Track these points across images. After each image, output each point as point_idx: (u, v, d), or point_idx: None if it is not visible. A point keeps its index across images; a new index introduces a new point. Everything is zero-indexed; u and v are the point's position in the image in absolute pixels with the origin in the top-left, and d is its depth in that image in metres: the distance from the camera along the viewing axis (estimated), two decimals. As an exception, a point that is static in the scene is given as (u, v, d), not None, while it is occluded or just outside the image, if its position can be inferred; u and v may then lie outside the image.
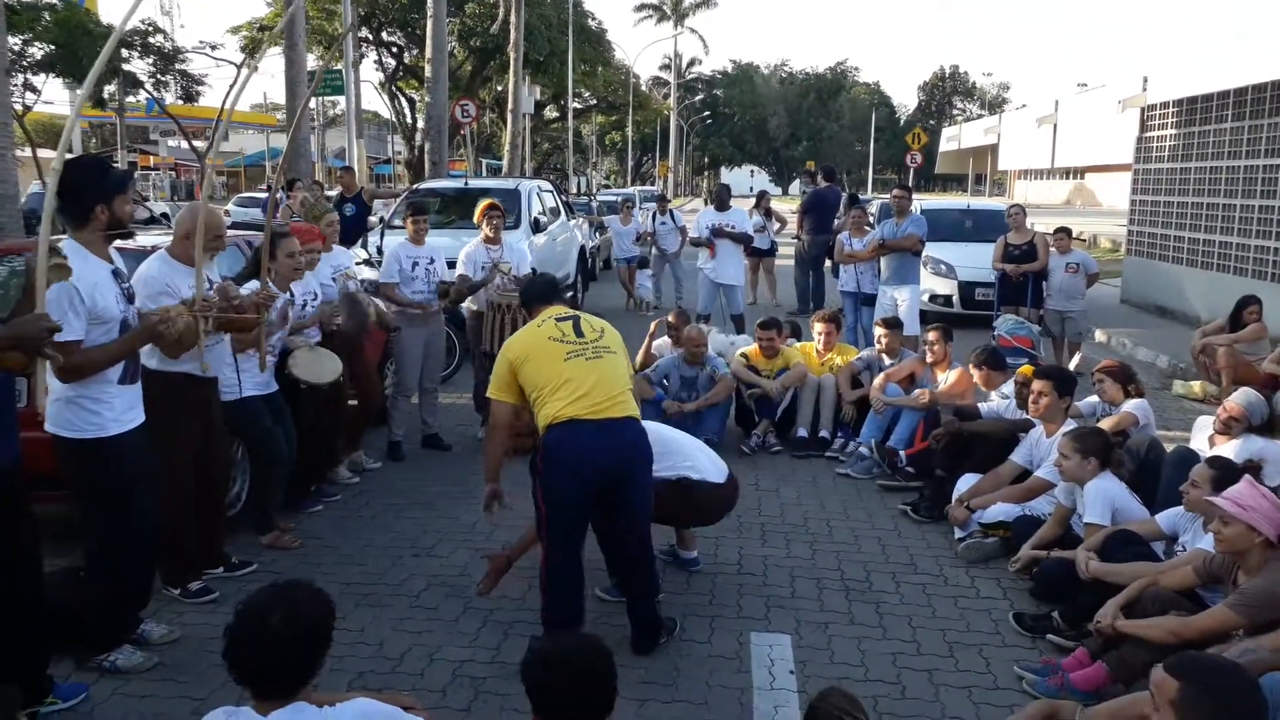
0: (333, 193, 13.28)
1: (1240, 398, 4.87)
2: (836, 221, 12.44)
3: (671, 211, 14.06)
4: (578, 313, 3.99)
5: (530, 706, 2.40)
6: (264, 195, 25.63)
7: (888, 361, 6.88)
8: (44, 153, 23.72)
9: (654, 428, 4.43)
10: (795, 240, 13.66)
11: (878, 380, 6.54)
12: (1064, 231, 9.80)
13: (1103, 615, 3.54)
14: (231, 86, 32.07)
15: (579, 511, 3.73)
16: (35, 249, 2.97)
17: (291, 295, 5.13)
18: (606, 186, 57.26)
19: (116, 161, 33.90)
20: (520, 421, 3.99)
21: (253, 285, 4.69)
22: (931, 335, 6.58)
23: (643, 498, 3.83)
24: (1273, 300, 9.60)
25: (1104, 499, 4.27)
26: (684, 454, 4.45)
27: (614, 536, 3.93)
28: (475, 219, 7.12)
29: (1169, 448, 5.26)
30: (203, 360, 3.84)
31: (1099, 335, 11.24)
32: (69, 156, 3.19)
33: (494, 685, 3.62)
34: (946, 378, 6.41)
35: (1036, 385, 5.09)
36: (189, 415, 4.11)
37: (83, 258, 3.34)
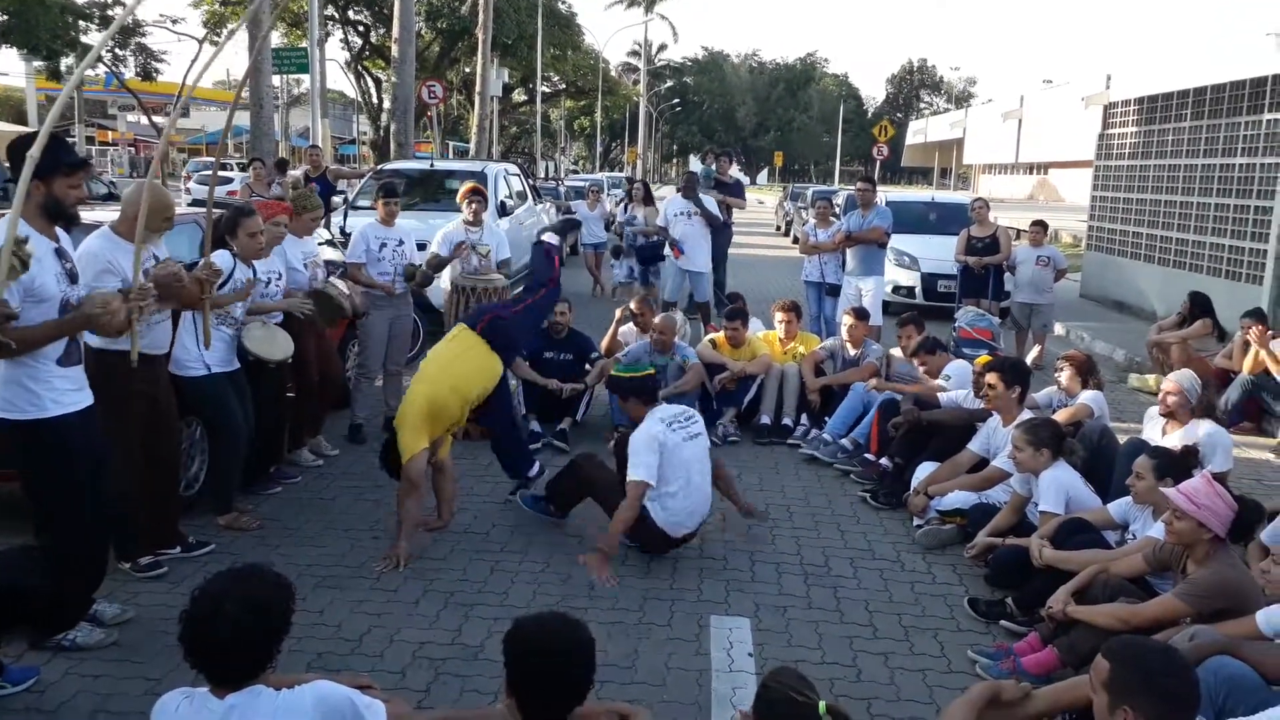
0: (295, 172, 13.08)
1: (1173, 378, 5.01)
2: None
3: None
4: None
5: (505, 684, 2.41)
6: (232, 173, 25.22)
7: (851, 351, 6.94)
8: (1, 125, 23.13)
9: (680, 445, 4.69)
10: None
11: (872, 382, 6.53)
12: (1040, 225, 9.98)
13: (1054, 601, 3.61)
14: (193, 62, 31.55)
15: None
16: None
17: (254, 271, 5.05)
18: (575, 172, 56.90)
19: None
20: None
21: (220, 255, 4.65)
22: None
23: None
24: (1225, 296, 9.80)
25: (1058, 488, 4.35)
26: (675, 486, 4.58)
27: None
28: (458, 199, 7.22)
29: (1121, 439, 5.36)
30: (135, 348, 3.65)
31: (1058, 329, 11.41)
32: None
33: (453, 667, 3.63)
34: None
35: (988, 378, 5.18)
36: (133, 393, 4.01)
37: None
